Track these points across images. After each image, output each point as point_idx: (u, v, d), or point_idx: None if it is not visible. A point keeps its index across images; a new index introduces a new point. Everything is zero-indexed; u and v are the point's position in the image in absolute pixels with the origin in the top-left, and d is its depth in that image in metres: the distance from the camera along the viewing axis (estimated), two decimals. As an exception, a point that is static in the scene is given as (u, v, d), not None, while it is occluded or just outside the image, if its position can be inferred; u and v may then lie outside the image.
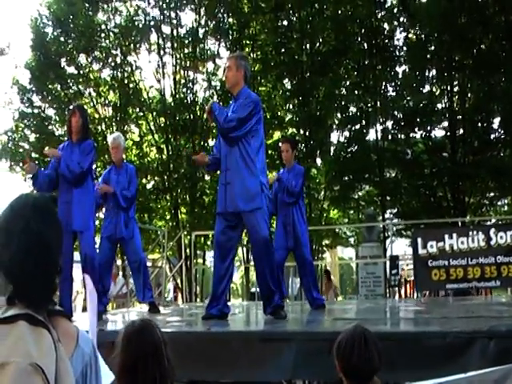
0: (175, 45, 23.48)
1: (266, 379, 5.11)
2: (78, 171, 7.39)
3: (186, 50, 23.55)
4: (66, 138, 8.05)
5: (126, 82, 23.42)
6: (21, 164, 20.87)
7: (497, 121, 23.12)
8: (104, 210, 9.50)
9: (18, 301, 1.88)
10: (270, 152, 20.69)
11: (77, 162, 7.41)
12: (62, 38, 23.00)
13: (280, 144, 9.55)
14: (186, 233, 17.54)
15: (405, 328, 6.01)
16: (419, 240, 12.87)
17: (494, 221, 20.63)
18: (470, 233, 12.52)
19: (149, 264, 11.77)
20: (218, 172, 7.37)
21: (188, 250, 18.87)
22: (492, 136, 23.04)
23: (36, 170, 7.56)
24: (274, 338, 5.23)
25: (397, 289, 15.69)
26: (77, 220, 7.34)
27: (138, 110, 23.67)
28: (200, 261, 25.88)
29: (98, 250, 8.55)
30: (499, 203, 26.00)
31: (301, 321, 7.45)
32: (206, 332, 5.77)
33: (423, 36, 23.40)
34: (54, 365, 1.80)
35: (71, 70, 23.56)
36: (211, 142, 21.12)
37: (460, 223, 18.52)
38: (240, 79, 7.11)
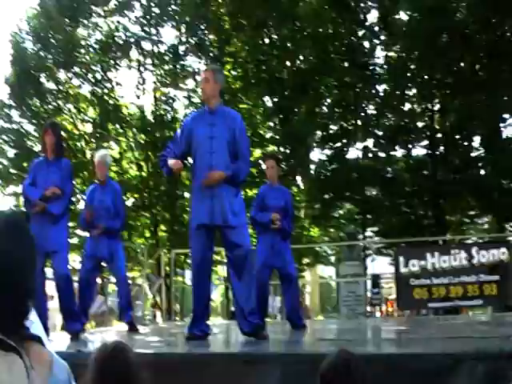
0: (155, 61, 23.45)
1: (249, 402, 4.93)
2: (63, 205, 7.40)
3: (167, 67, 23.58)
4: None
5: (105, 98, 23.34)
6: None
7: (477, 139, 23.21)
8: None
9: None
10: (251, 170, 20.63)
11: (59, 187, 7.30)
12: (41, 53, 22.90)
13: (264, 161, 9.30)
14: (165, 251, 17.34)
15: (390, 349, 5.86)
16: (401, 259, 12.81)
17: (474, 239, 20.60)
18: (452, 251, 12.49)
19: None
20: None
21: (167, 268, 18.70)
22: (472, 154, 23.10)
23: None
24: (257, 359, 5.05)
25: (378, 307, 15.58)
26: (51, 240, 7.18)
27: (117, 126, 23.56)
28: (180, 279, 25.70)
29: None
30: (479, 221, 26.07)
31: (283, 341, 7.27)
32: (188, 353, 5.59)
33: (404, 54, 23.48)
34: None
35: (51, 85, 23.50)
36: (190, 160, 20.95)
37: (441, 242, 18.50)
38: (217, 92, 6.99)
